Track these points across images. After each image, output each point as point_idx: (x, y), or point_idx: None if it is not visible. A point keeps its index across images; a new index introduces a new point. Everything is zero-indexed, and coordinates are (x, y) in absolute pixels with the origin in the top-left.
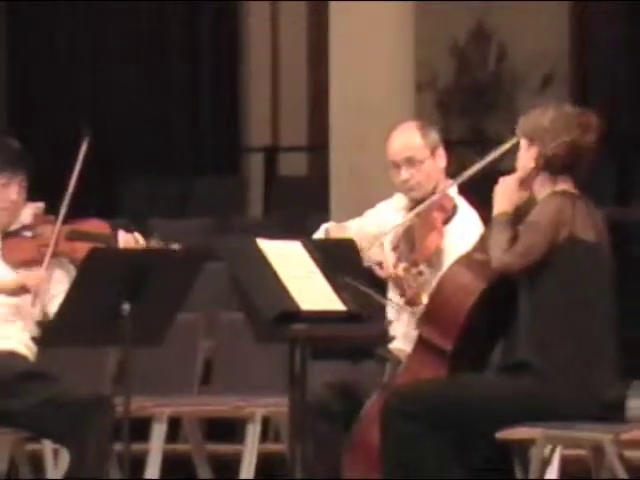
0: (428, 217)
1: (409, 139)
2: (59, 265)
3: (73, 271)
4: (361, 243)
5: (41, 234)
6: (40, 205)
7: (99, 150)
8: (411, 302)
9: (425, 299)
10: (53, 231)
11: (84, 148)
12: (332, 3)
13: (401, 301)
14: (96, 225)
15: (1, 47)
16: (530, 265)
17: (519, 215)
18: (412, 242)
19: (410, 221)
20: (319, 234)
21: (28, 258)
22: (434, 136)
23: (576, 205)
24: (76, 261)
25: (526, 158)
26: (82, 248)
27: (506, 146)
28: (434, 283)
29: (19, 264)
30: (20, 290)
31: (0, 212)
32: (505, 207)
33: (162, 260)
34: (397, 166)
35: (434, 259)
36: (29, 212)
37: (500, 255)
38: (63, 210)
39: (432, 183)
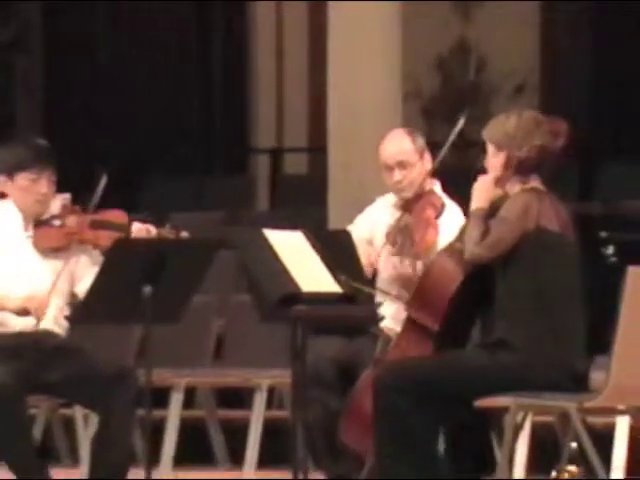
0: (422, 215)
1: (401, 145)
2: (84, 251)
3: (97, 256)
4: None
5: (68, 223)
6: (67, 196)
7: (120, 151)
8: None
9: None
10: (79, 220)
11: (103, 183)
12: (330, 26)
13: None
14: (117, 215)
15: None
16: (499, 255)
17: (493, 210)
18: (411, 238)
19: (404, 220)
20: None
21: (56, 245)
22: (421, 141)
23: (542, 200)
24: (99, 247)
25: (494, 162)
26: (104, 236)
27: (457, 129)
28: None
29: (48, 251)
30: (22, 311)
31: (32, 204)
32: (481, 203)
33: (179, 248)
34: (390, 169)
35: (431, 251)
36: (58, 203)
37: (472, 247)
38: (90, 208)
39: (420, 185)
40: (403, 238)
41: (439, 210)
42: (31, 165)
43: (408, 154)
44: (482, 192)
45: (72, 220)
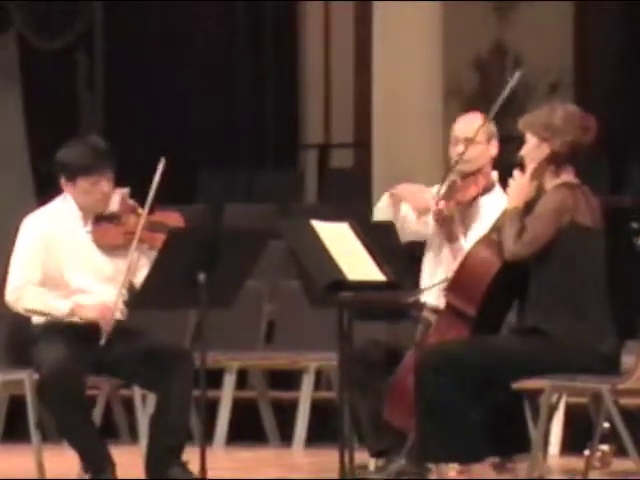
0: (472, 178)
1: (473, 123)
2: (142, 251)
3: (152, 256)
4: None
5: (126, 222)
6: (125, 190)
7: (181, 145)
8: (450, 238)
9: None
10: (137, 220)
11: (161, 168)
12: (375, 28)
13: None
14: (174, 218)
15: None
16: (537, 251)
17: (530, 204)
18: (455, 188)
19: (456, 178)
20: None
21: (114, 244)
22: (492, 128)
23: (576, 194)
24: (155, 248)
25: (537, 153)
26: (161, 238)
27: (513, 83)
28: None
29: (106, 247)
30: (70, 314)
31: (93, 203)
32: (516, 203)
33: (233, 237)
34: (457, 141)
35: (471, 208)
36: (117, 198)
37: (510, 246)
38: (146, 210)
39: (480, 164)
40: (449, 188)
41: (489, 186)
42: (92, 169)
43: (476, 133)
44: (517, 192)
45: (131, 220)
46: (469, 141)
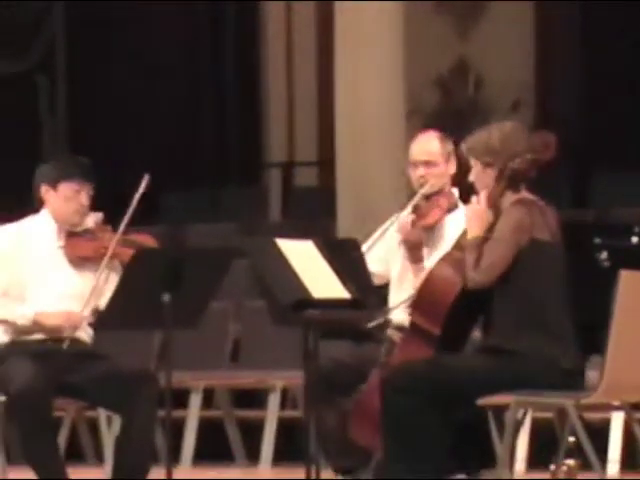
0: (434, 201)
1: (430, 145)
2: (113, 269)
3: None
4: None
5: (100, 237)
6: (100, 215)
7: (143, 166)
8: (414, 260)
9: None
10: (111, 237)
11: (144, 185)
12: (337, 47)
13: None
14: (146, 239)
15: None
16: (498, 276)
17: (491, 229)
18: (421, 213)
19: (418, 202)
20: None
21: (86, 255)
22: (450, 146)
23: (532, 210)
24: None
25: (484, 178)
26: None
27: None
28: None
29: (77, 260)
30: (57, 329)
31: (72, 214)
32: (476, 232)
33: (197, 257)
34: (416, 165)
35: (436, 230)
36: (92, 219)
37: (471, 274)
38: (122, 226)
39: (442, 184)
40: (415, 211)
41: (451, 206)
42: (74, 177)
43: (435, 155)
44: (476, 221)
45: (105, 236)
46: (428, 164)
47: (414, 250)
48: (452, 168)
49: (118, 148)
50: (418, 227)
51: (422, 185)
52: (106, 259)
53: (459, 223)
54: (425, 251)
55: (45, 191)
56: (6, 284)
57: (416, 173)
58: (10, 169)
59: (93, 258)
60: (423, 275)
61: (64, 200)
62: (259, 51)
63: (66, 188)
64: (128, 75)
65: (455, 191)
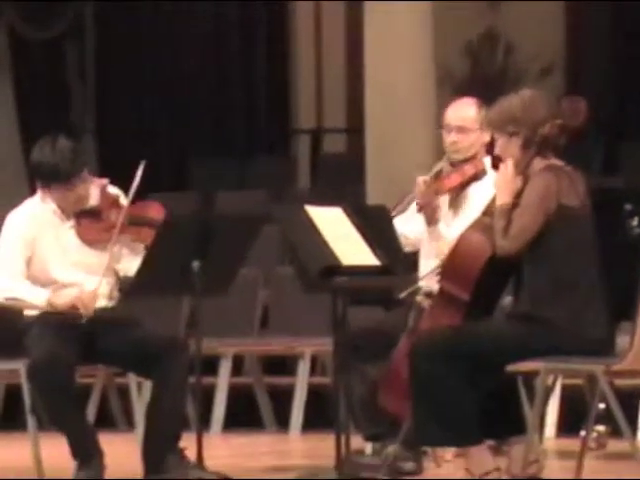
0: (459, 167)
1: (465, 111)
2: (122, 242)
3: (134, 246)
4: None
5: (106, 217)
6: (105, 182)
7: (172, 134)
8: (429, 222)
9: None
10: (118, 214)
11: (141, 171)
12: (367, 14)
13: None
14: (154, 209)
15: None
16: (527, 243)
17: (519, 196)
18: (440, 176)
19: (444, 166)
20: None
21: (98, 239)
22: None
23: (560, 176)
24: (138, 240)
25: (510, 149)
26: (141, 231)
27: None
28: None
29: (90, 242)
30: (71, 308)
31: (73, 205)
32: (505, 199)
33: (226, 224)
34: (450, 129)
35: (460, 196)
36: (96, 191)
37: (500, 241)
38: (125, 207)
39: (473, 151)
40: (436, 174)
41: (479, 173)
42: (64, 176)
43: (469, 121)
44: (504, 188)
45: (112, 216)
46: (461, 130)
47: (427, 212)
48: (486, 136)
49: (147, 116)
50: (432, 189)
51: (454, 151)
52: (114, 239)
53: (486, 190)
54: (449, 216)
55: (40, 188)
56: (29, 269)
57: (449, 138)
58: (39, 136)
59: (105, 240)
60: (453, 241)
61: (60, 198)
62: (289, 19)
63: (58, 189)
64: (158, 43)
65: (487, 160)
